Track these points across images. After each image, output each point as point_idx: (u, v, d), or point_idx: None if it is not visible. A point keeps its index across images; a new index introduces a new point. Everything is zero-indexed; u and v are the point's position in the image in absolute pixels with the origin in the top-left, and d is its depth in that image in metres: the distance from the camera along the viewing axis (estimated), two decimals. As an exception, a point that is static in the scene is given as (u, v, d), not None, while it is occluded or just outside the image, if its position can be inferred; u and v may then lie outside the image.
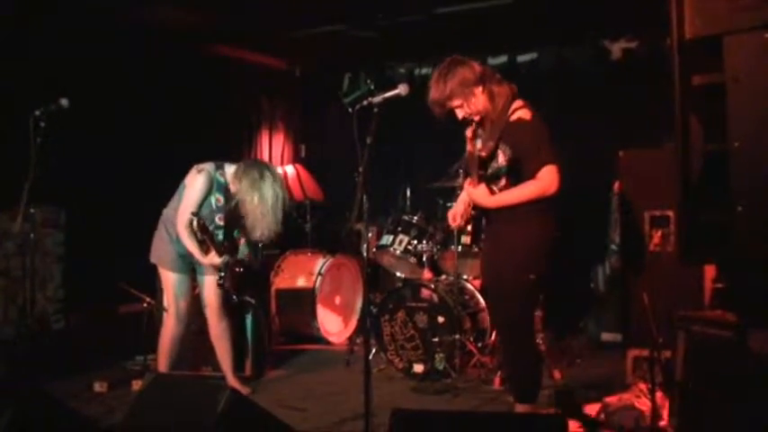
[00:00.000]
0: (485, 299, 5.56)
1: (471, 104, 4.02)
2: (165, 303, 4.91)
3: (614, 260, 6.20)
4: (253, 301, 5.50)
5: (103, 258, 5.95)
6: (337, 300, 6.88)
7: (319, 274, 6.68)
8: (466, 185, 4.14)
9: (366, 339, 4.09)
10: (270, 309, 6.45)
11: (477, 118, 4.11)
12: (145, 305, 5.26)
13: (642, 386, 4.30)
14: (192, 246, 4.69)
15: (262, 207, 4.70)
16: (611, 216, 6.18)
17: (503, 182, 4.01)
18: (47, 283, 5.91)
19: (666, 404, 3.95)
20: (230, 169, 4.84)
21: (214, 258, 4.68)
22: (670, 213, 4.95)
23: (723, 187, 2.61)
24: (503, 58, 7.60)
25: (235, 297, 4.97)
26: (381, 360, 5.61)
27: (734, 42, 2.64)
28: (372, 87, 7.68)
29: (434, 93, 4.03)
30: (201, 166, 4.80)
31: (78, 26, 6.01)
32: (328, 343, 6.69)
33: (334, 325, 6.81)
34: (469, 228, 4.19)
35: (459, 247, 5.60)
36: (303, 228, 7.49)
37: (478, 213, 4.12)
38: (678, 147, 2.72)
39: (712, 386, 3.57)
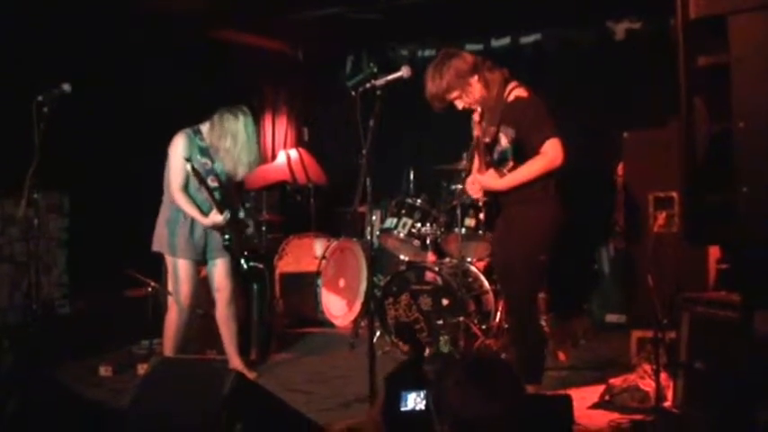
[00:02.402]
0: (491, 281, 5.56)
1: (469, 94, 4.11)
2: (170, 288, 4.92)
3: (618, 241, 6.20)
4: (261, 266, 5.46)
5: (107, 243, 5.96)
6: (341, 283, 6.88)
7: (323, 257, 6.68)
8: (474, 173, 4.18)
9: (370, 322, 4.11)
10: (274, 292, 6.45)
11: (476, 106, 4.17)
12: (149, 289, 5.26)
13: (646, 367, 4.31)
14: (190, 208, 4.72)
15: (239, 146, 4.70)
16: (616, 197, 6.18)
17: (510, 164, 4.04)
18: (51, 269, 5.94)
19: (671, 385, 3.95)
20: (205, 127, 4.85)
21: (216, 217, 4.69)
22: (674, 194, 4.94)
23: (728, 168, 2.59)
24: (506, 40, 7.56)
25: (243, 263, 4.90)
26: (386, 343, 5.62)
27: (739, 22, 2.61)
28: (375, 70, 7.60)
29: (432, 87, 4.10)
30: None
31: (80, 11, 5.98)
32: (333, 326, 6.70)
33: (338, 308, 6.81)
34: (481, 215, 4.21)
35: (463, 230, 5.59)
36: (306, 211, 7.49)
37: (491, 199, 4.15)
38: (683, 128, 2.70)
39: (717, 367, 3.58)
